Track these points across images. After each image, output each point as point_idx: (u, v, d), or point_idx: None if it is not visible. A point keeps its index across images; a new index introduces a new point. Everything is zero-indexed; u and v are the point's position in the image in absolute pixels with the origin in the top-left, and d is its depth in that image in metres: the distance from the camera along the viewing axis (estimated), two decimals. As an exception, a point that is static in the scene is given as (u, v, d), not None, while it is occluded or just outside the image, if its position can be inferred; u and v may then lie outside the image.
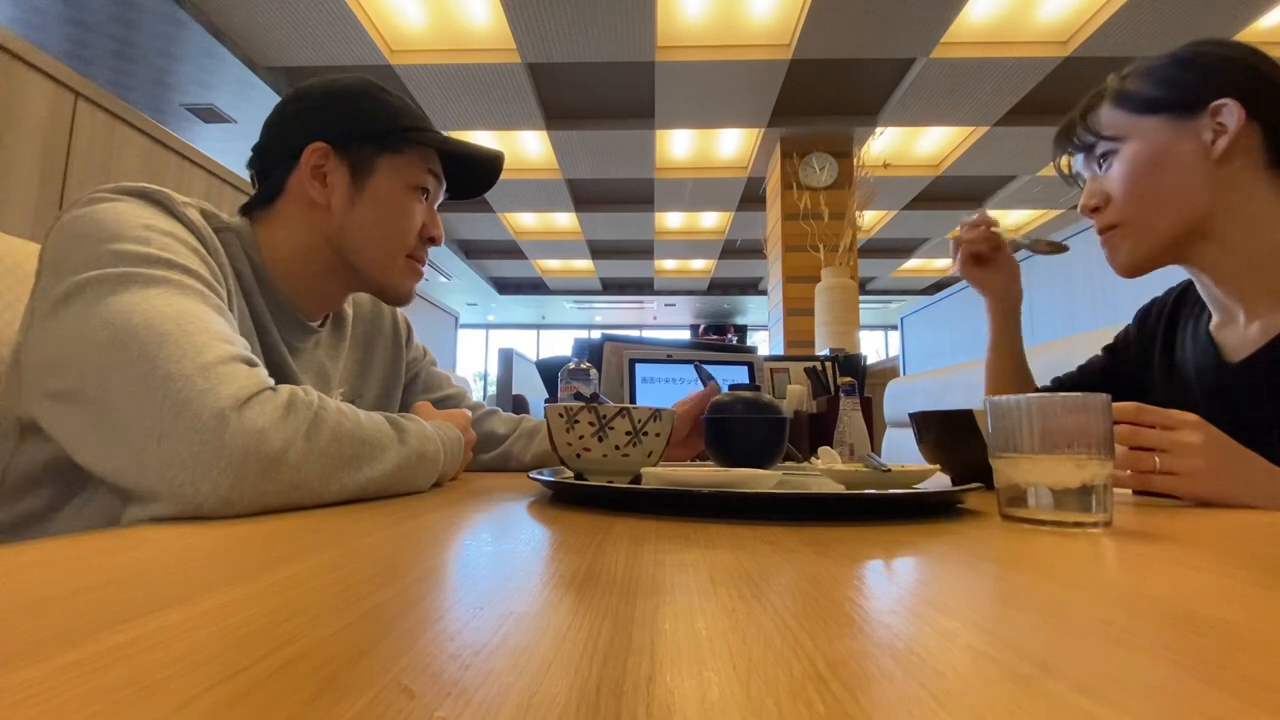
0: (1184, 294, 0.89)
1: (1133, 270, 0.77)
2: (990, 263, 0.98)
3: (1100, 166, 0.77)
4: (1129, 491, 0.66)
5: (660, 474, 0.55)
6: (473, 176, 0.84)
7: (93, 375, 0.47)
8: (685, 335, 12.29)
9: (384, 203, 0.74)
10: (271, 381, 0.51)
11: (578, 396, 1.06)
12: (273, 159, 0.73)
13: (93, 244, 0.52)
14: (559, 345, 11.89)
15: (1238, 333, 0.75)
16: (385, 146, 0.74)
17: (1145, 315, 0.93)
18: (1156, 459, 0.59)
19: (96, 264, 0.51)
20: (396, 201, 0.75)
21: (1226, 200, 0.71)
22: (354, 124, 0.73)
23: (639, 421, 0.61)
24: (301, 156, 0.71)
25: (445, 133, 0.78)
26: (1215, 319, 0.79)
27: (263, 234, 0.72)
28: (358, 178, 0.73)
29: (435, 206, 0.81)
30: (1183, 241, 0.73)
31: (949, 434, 0.71)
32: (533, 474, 0.63)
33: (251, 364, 0.51)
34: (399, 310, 0.93)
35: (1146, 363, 0.89)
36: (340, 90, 0.74)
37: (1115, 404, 0.51)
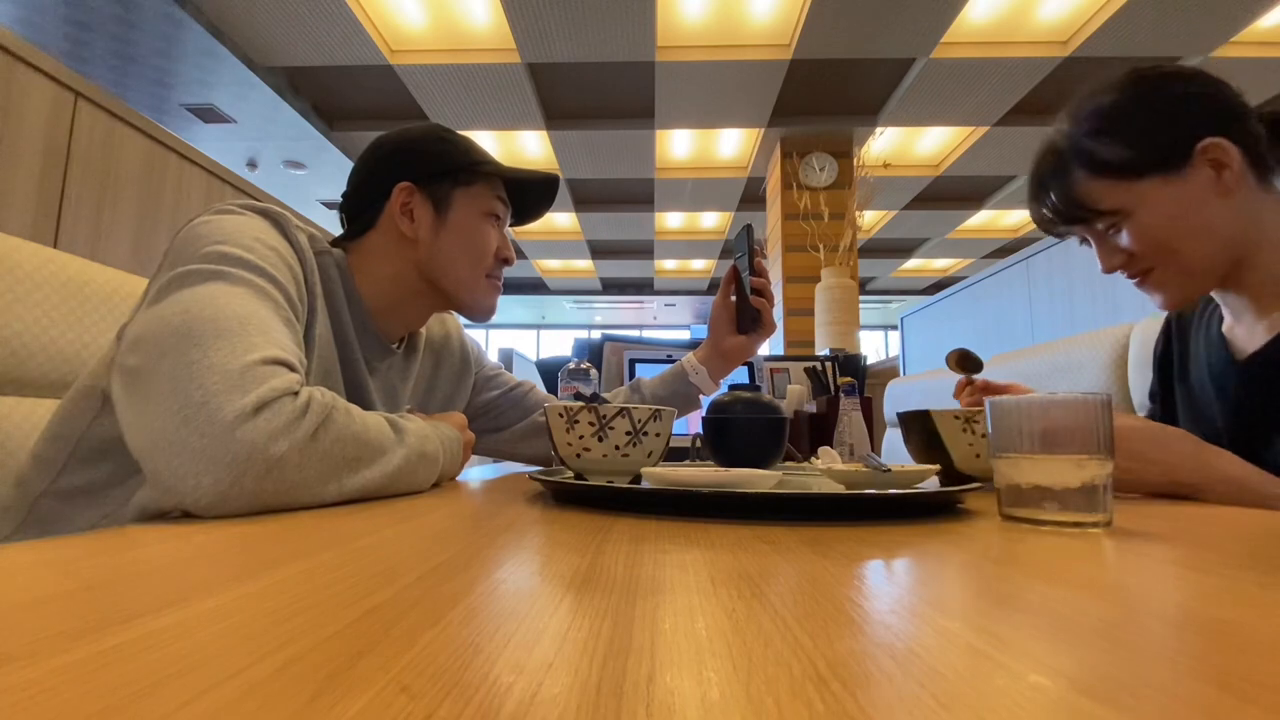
0: (1181, 311, 0.89)
1: (1183, 305, 0.77)
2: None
3: (1104, 229, 0.75)
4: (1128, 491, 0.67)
5: (660, 474, 0.55)
6: (532, 199, 0.92)
7: (155, 353, 0.50)
8: (685, 335, 12.29)
9: (464, 230, 0.82)
10: (298, 386, 0.52)
11: (578, 396, 1.06)
12: (363, 201, 0.81)
13: (205, 244, 0.58)
14: (559, 345, 11.89)
15: (1247, 329, 0.76)
16: (459, 181, 0.82)
17: (1156, 348, 0.93)
18: None
19: (200, 260, 0.57)
20: (474, 228, 0.83)
21: (1245, 225, 0.71)
22: (431, 164, 0.82)
23: (639, 421, 0.61)
24: (391, 195, 0.79)
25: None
26: (1227, 319, 0.80)
27: (356, 262, 0.79)
28: (439, 211, 0.81)
29: (505, 230, 0.88)
30: (1226, 271, 0.73)
31: (931, 433, 0.71)
32: (533, 474, 0.63)
33: (292, 369, 0.53)
34: (466, 335, 1.02)
35: (1169, 384, 0.89)
36: (415, 137, 0.83)
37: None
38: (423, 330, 0.91)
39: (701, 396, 1.07)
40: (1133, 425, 0.67)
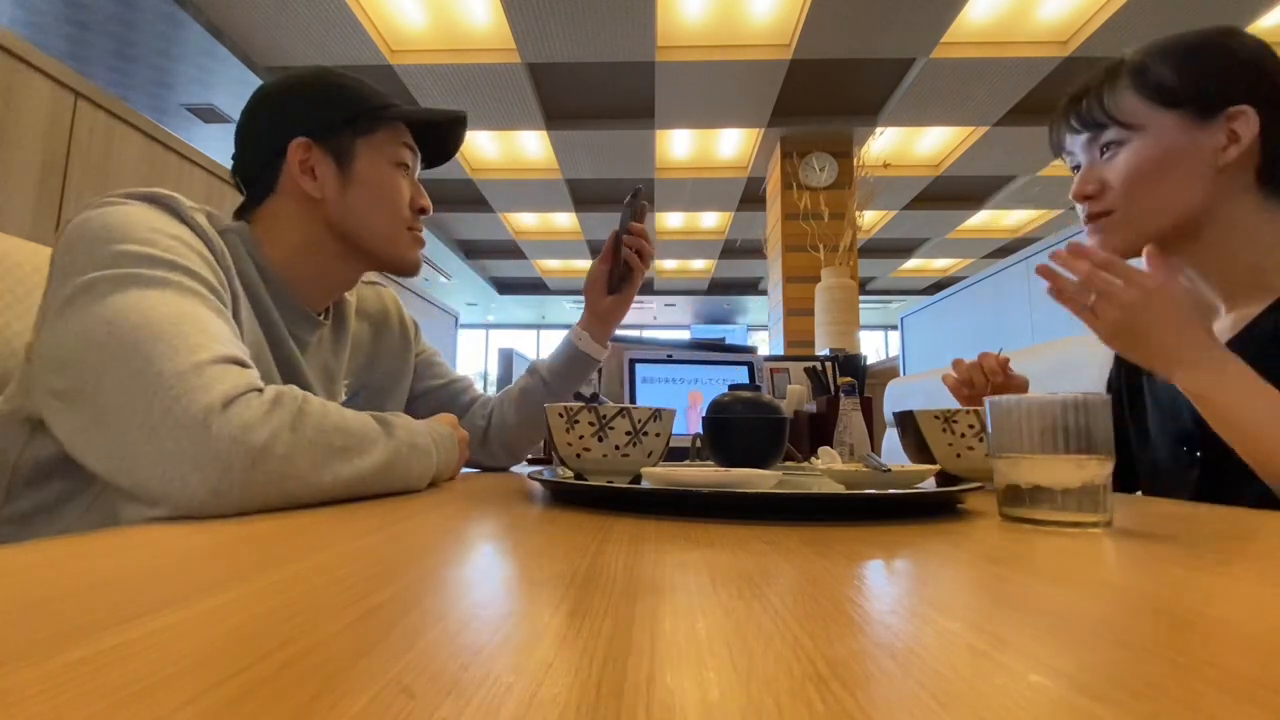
0: None
1: (1116, 254, 0.77)
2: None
3: (1102, 153, 0.76)
4: (1128, 491, 0.67)
5: (660, 474, 0.55)
6: (442, 141, 0.85)
7: (91, 373, 0.48)
8: (685, 335, 12.29)
9: (372, 183, 0.76)
10: (260, 383, 0.51)
11: (578, 396, 1.06)
12: (257, 164, 0.74)
13: (99, 245, 0.53)
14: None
15: (1213, 324, 0.76)
16: (359, 130, 0.75)
17: None
18: (1093, 297, 0.66)
19: (101, 265, 0.52)
20: (383, 179, 0.77)
21: (1218, 206, 0.71)
22: (325, 113, 0.75)
23: (639, 421, 0.61)
24: (287, 154, 0.72)
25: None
26: None
27: (261, 233, 0.73)
28: (343, 165, 0.74)
29: (416, 177, 0.83)
30: (1169, 238, 0.73)
31: (920, 432, 0.72)
32: (532, 474, 0.63)
33: (244, 365, 0.52)
34: (405, 309, 0.97)
35: (1138, 371, 0.89)
36: (302, 84, 0.76)
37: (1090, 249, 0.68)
38: (350, 298, 0.86)
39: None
40: (1154, 309, 0.65)
